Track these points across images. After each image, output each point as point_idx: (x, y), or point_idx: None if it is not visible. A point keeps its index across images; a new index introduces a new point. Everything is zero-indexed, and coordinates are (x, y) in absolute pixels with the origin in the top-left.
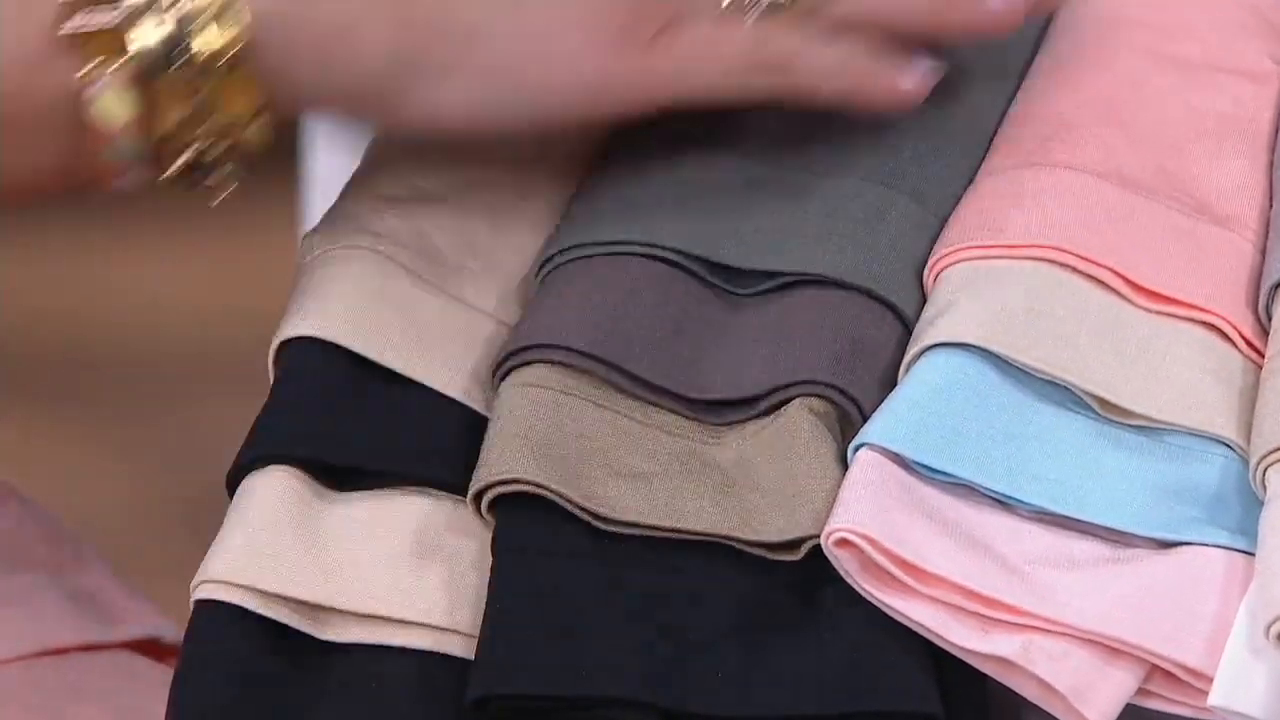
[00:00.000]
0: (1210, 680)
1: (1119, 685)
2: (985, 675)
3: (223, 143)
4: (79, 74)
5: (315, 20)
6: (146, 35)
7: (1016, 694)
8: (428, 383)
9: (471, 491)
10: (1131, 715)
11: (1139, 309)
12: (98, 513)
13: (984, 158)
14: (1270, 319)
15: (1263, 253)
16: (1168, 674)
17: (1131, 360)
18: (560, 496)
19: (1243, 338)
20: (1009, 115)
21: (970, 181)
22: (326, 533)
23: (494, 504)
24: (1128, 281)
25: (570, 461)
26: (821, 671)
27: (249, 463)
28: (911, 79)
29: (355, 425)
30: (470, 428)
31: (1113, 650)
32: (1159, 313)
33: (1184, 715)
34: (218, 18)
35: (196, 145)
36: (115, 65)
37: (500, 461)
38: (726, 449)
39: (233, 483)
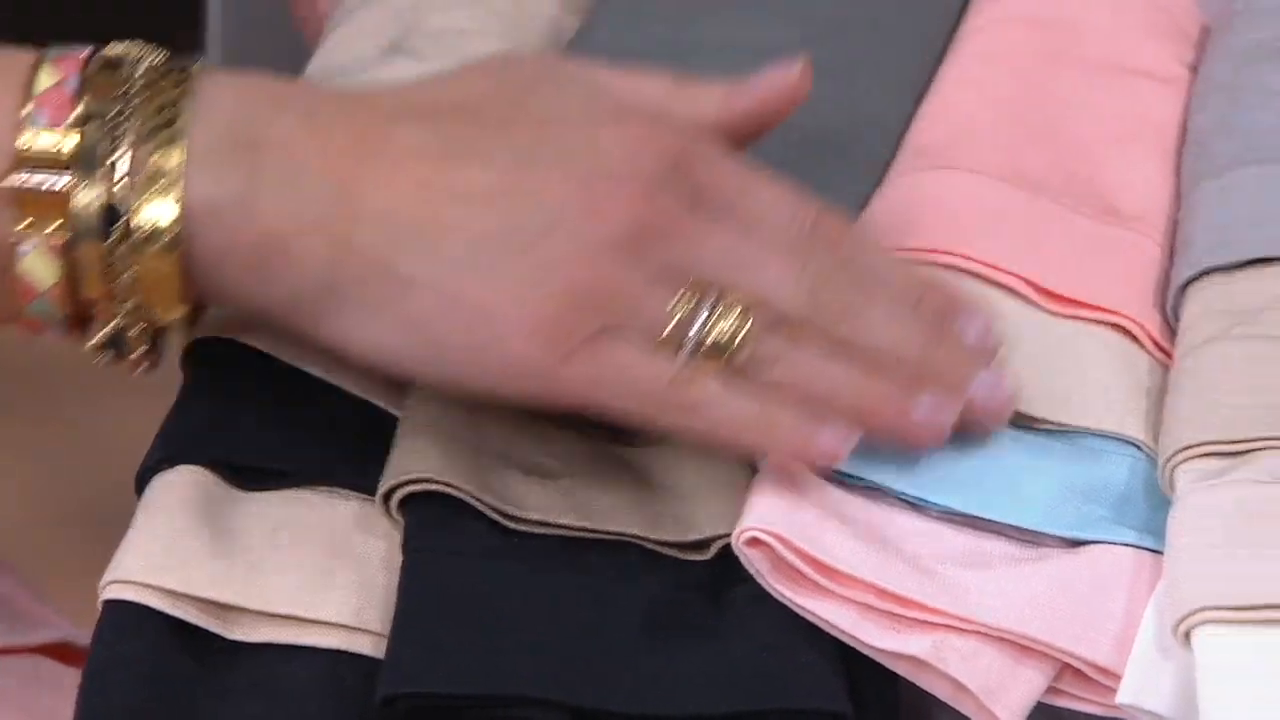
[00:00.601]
0: (1119, 678)
1: (1029, 684)
2: (896, 674)
3: (141, 324)
4: (15, 228)
5: (253, 227)
6: (86, 209)
7: (927, 693)
8: (337, 383)
9: (381, 491)
10: (1045, 715)
11: (1047, 313)
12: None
13: (892, 160)
14: (1177, 320)
15: (1169, 254)
16: (1078, 672)
17: (1041, 365)
18: (470, 496)
19: (1151, 339)
20: (916, 118)
21: (879, 183)
22: (235, 533)
23: (404, 503)
24: (1034, 286)
25: (480, 461)
26: (732, 670)
27: (157, 463)
28: (830, 441)
29: (264, 426)
30: (380, 428)
31: (1023, 649)
32: (1067, 316)
33: (1094, 713)
34: (157, 204)
35: (115, 322)
36: (49, 229)
37: (410, 461)
38: (637, 449)
39: (141, 483)
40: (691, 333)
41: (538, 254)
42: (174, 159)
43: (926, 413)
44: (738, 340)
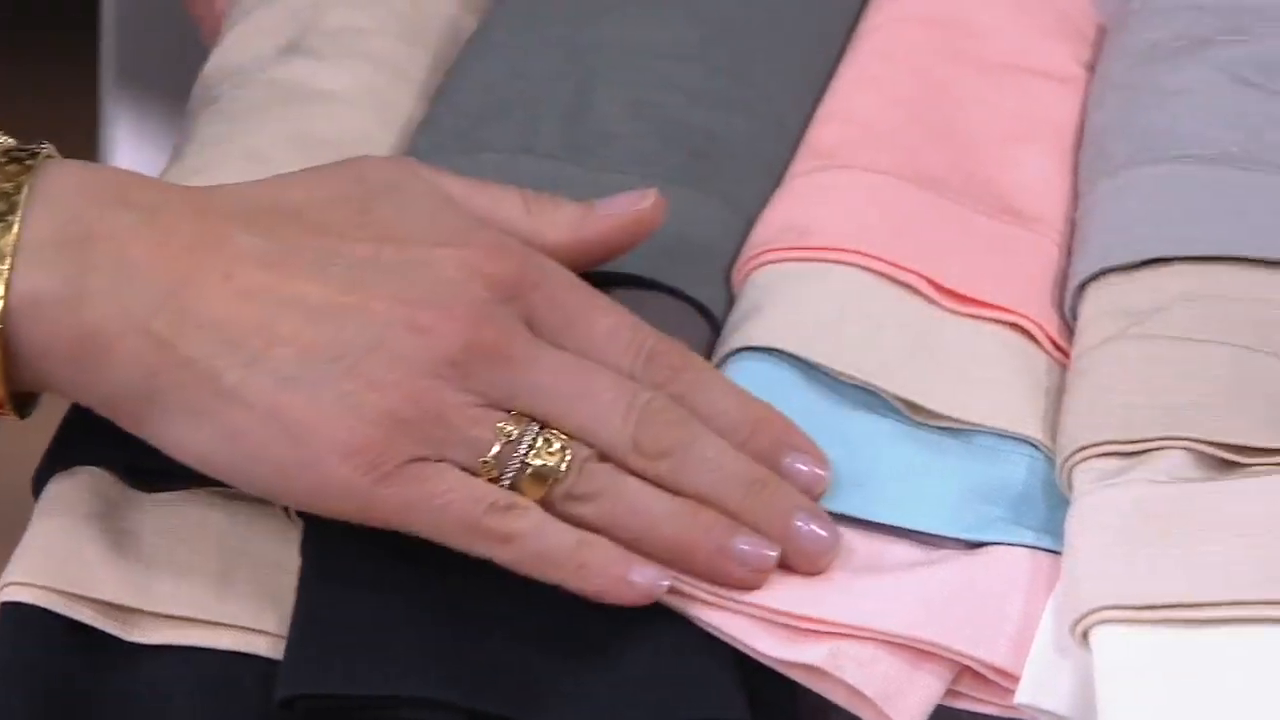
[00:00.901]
0: (1017, 679)
1: (927, 688)
2: (794, 681)
3: None
4: None
5: (77, 323)
6: None
7: (825, 699)
8: None
9: None
10: (943, 716)
11: (945, 311)
12: None
13: (792, 159)
14: (1075, 319)
15: (1067, 253)
16: (976, 674)
17: (939, 363)
18: None
19: (1049, 338)
20: (816, 116)
21: (778, 183)
22: (133, 535)
23: None
24: (934, 285)
25: None
26: (629, 678)
27: (54, 465)
28: (641, 581)
29: None
30: None
31: (920, 653)
32: (965, 315)
33: (992, 714)
34: None
35: None
36: None
37: None
38: None
39: (38, 485)
40: (512, 463)
41: (361, 374)
42: (4, 247)
43: (743, 557)
44: (558, 473)
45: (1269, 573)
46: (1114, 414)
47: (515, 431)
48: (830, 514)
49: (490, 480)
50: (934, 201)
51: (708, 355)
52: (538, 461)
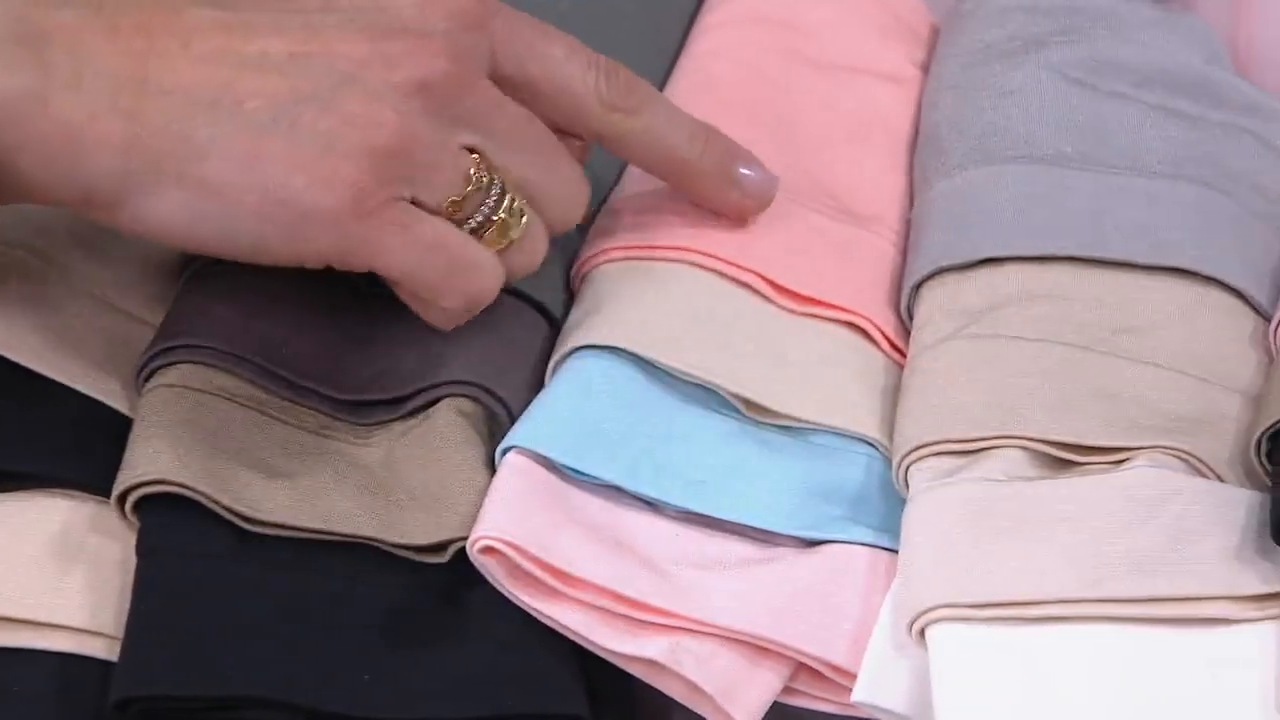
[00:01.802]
0: (855, 677)
1: (765, 685)
2: (633, 676)
3: None
4: None
5: (46, 119)
6: None
7: (665, 694)
8: (70, 383)
9: (115, 493)
10: (780, 715)
11: (783, 310)
12: None
13: None
14: (912, 318)
15: (903, 253)
16: (814, 671)
17: (777, 362)
18: (205, 497)
19: (885, 338)
20: None
21: (616, 180)
22: None
23: (138, 505)
24: (772, 284)
25: (215, 462)
26: (469, 674)
27: None
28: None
29: None
30: (113, 429)
31: (759, 650)
32: (803, 314)
33: (830, 712)
34: None
35: None
36: None
37: (144, 462)
38: (374, 450)
39: None
40: (480, 211)
41: (336, 111)
42: None
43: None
44: (515, 232)
45: (1100, 571)
46: (949, 413)
47: (485, 180)
48: (671, 510)
49: (457, 221)
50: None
51: (547, 355)
52: (500, 216)
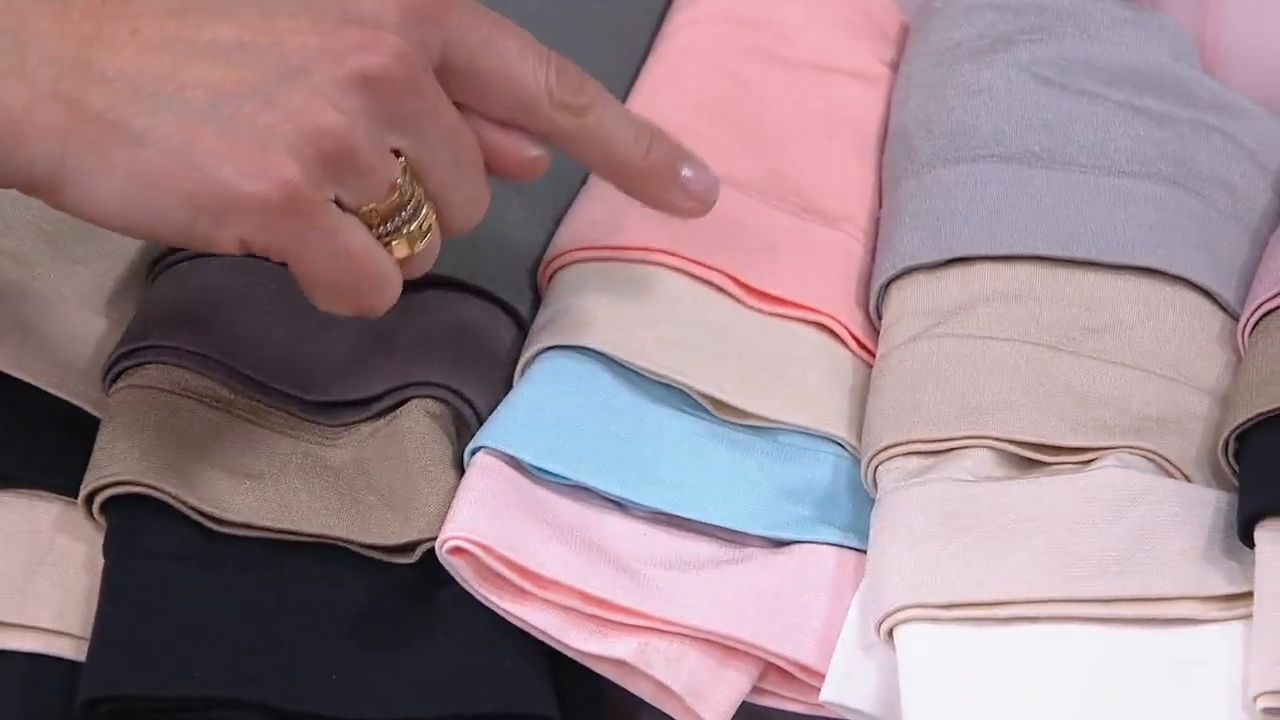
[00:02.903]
0: (823, 676)
1: (734, 685)
2: (601, 676)
3: None
4: None
5: None
6: None
7: (633, 694)
8: (38, 384)
9: (83, 493)
10: (749, 715)
11: (751, 310)
12: None
13: None
14: (880, 318)
15: (872, 252)
16: (782, 671)
17: (745, 362)
18: (172, 497)
19: (853, 337)
20: None
21: (584, 182)
22: None
23: (106, 506)
24: (740, 284)
25: (182, 462)
26: (437, 673)
27: None
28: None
29: None
30: (82, 429)
31: (728, 650)
32: (771, 314)
33: (798, 712)
34: None
35: None
36: None
37: (111, 463)
38: (342, 450)
39: None
40: (393, 221)
41: (279, 106)
42: None
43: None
44: (417, 247)
45: (1067, 572)
46: (918, 413)
47: (407, 196)
48: (640, 511)
49: (371, 226)
50: (740, 200)
51: (516, 355)
52: (410, 230)
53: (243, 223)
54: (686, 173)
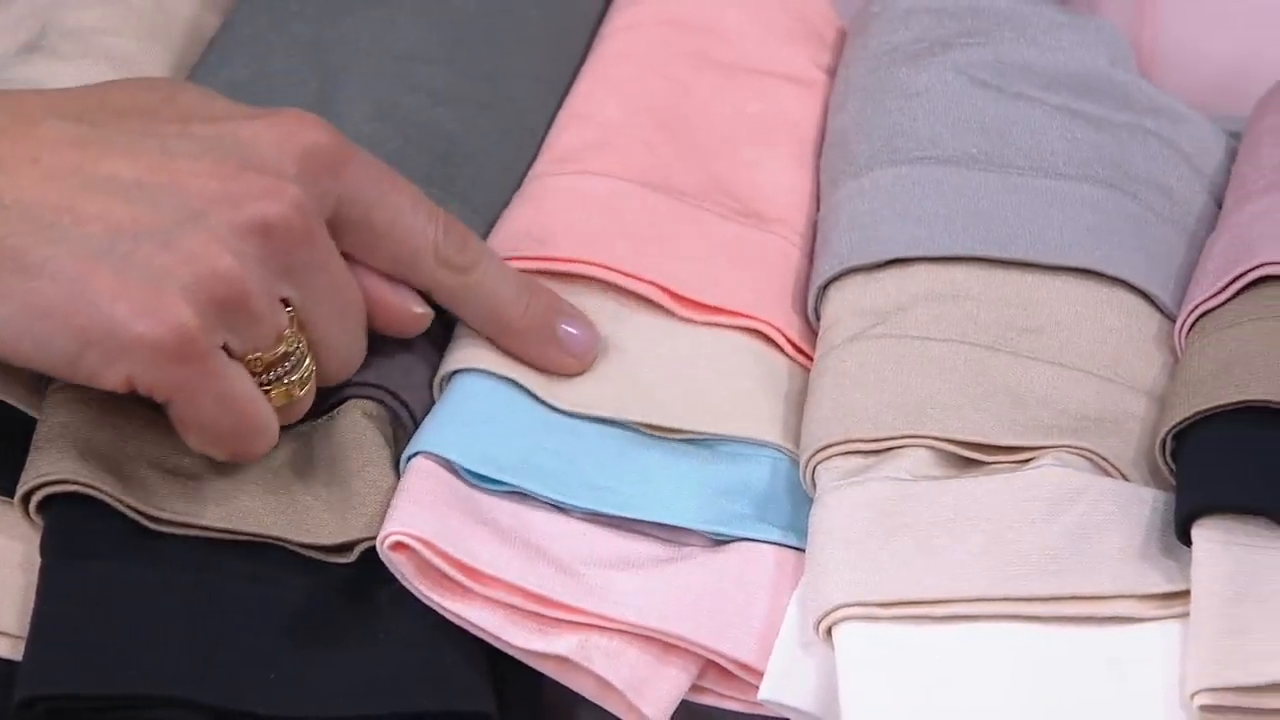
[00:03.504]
0: (762, 674)
1: (674, 681)
2: (541, 674)
3: None
4: None
5: None
6: None
7: (573, 691)
8: None
9: (19, 493)
10: (687, 715)
11: (684, 321)
12: None
13: (533, 160)
14: (819, 319)
15: (809, 256)
16: (722, 669)
17: (677, 379)
18: (109, 496)
19: (789, 341)
20: (558, 119)
21: (519, 184)
22: None
23: (43, 505)
24: (671, 294)
25: (120, 461)
26: (376, 672)
27: None
28: None
29: None
30: (17, 429)
31: (668, 646)
32: (705, 323)
33: (737, 710)
34: None
35: None
36: None
37: (47, 462)
38: (280, 450)
39: None
40: (276, 371)
41: (175, 249)
42: None
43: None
44: (296, 400)
45: (1006, 570)
46: (857, 412)
47: (292, 347)
48: (578, 513)
49: (255, 373)
50: (674, 206)
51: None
52: (293, 380)
53: (131, 362)
54: (565, 328)
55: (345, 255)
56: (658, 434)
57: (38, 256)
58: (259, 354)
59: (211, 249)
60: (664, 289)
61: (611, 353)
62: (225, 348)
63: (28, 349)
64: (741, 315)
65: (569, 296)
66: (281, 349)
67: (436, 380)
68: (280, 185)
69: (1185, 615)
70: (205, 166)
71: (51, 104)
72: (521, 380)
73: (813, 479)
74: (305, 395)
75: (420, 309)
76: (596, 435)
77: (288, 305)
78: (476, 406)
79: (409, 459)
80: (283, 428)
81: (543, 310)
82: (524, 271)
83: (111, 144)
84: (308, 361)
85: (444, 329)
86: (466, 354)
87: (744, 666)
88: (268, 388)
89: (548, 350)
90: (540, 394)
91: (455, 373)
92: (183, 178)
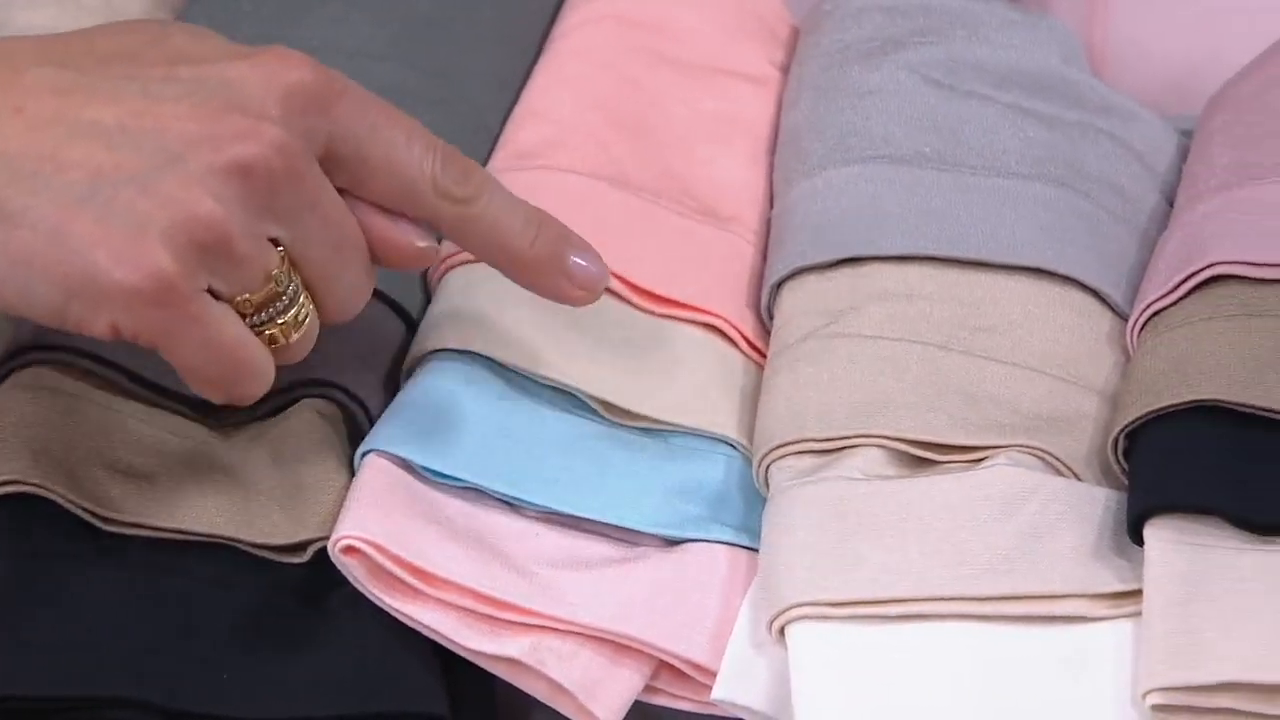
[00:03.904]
0: (714, 675)
1: (627, 683)
2: (494, 676)
3: None
4: None
5: None
6: None
7: (526, 694)
8: None
9: None
10: (640, 714)
11: (642, 312)
12: None
13: (488, 157)
14: (772, 318)
15: (763, 253)
16: (675, 670)
17: (635, 364)
18: (61, 496)
19: (744, 338)
20: (513, 115)
21: None
22: None
23: None
24: (630, 285)
25: (72, 462)
26: (328, 673)
27: None
28: None
29: None
30: None
31: (621, 648)
32: (662, 315)
33: (690, 710)
34: None
35: None
36: None
37: None
38: (233, 450)
39: None
40: (267, 311)
41: (155, 193)
42: None
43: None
44: (291, 337)
45: (958, 570)
46: (809, 412)
47: (283, 285)
48: (532, 510)
49: (244, 314)
50: (630, 202)
51: (402, 356)
52: (285, 320)
53: (113, 309)
54: (574, 260)
55: (344, 192)
56: (613, 418)
57: (18, 205)
58: (247, 295)
59: (191, 192)
60: (624, 279)
61: (573, 329)
62: (213, 291)
63: (13, 298)
64: (698, 310)
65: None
66: (270, 288)
67: (405, 366)
68: (260, 125)
69: (1137, 614)
70: (186, 109)
71: (39, 50)
72: (487, 350)
73: (766, 478)
74: (303, 337)
75: (423, 242)
76: (554, 424)
77: (278, 245)
78: (434, 399)
79: (363, 455)
80: (238, 424)
81: (552, 241)
82: (479, 264)
83: (94, 90)
84: (302, 300)
85: (408, 332)
86: (436, 336)
87: (697, 667)
88: (260, 328)
89: (557, 282)
90: (506, 359)
91: (424, 357)
92: (165, 121)
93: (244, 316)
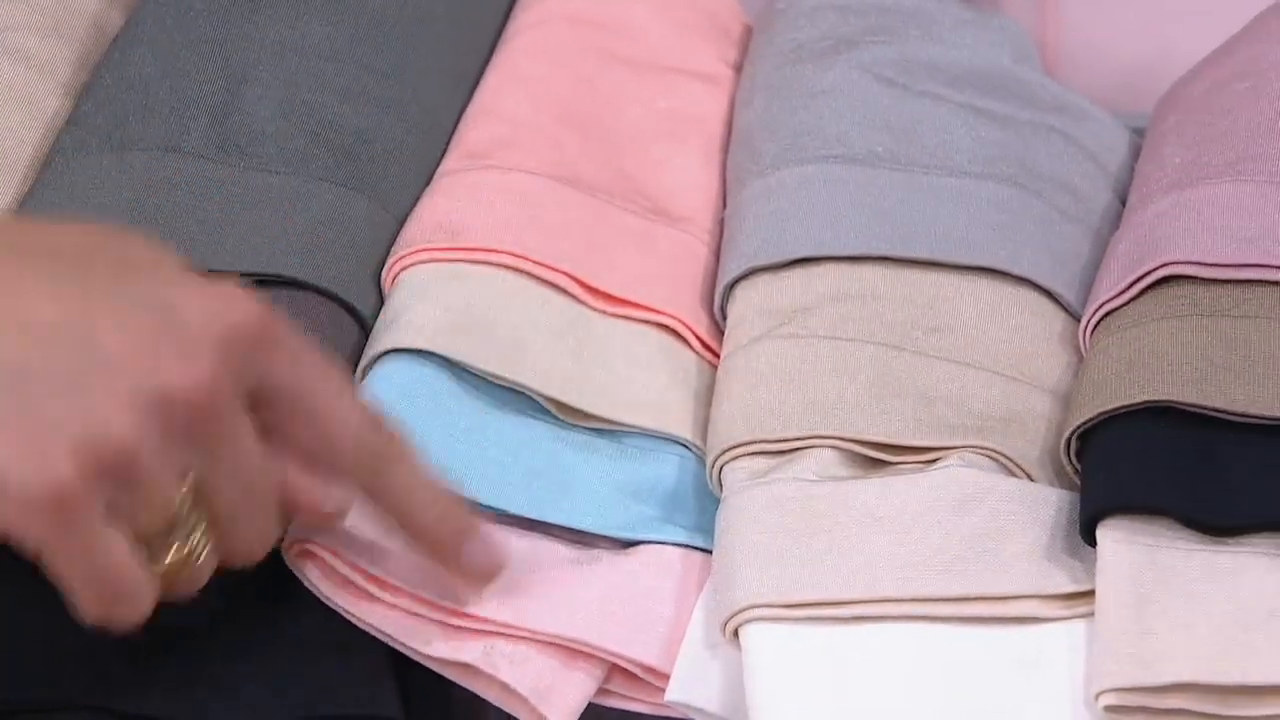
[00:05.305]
0: (668, 677)
1: (579, 686)
2: (448, 681)
3: None
4: None
5: None
6: None
7: (480, 697)
8: None
9: None
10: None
11: (595, 312)
12: None
13: (442, 156)
14: (725, 318)
15: (716, 253)
16: (628, 672)
17: (588, 363)
18: None
19: (697, 338)
20: (467, 115)
21: (430, 180)
22: None
23: None
24: (582, 284)
25: None
26: (282, 676)
27: None
28: None
29: None
30: None
31: (574, 652)
32: (614, 315)
33: (643, 712)
34: None
35: None
36: None
37: None
38: None
39: None
40: (165, 539)
41: (74, 400)
42: None
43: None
44: (199, 560)
45: (911, 571)
46: (763, 413)
47: (182, 515)
48: (484, 510)
49: (142, 541)
50: (584, 201)
51: (358, 355)
52: (177, 551)
53: (4, 503)
54: (471, 550)
55: (265, 430)
56: (566, 418)
57: None
58: (143, 519)
59: (110, 410)
60: (576, 279)
61: (526, 330)
62: (109, 506)
63: None
64: (651, 310)
65: (484, 283)
66: (168, 516)
67: (360, 366)
68: (198, 358)
69: (1090, 615)
70: (125, 321)
71: None
72: (440, 350)
73: (719, 479)
74: (195, 572)
75: (333, 506)
76: (507, 425)
77: (187, 475)
78: (387, 399)
79: None
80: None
81: (452, 527)
82: (437, 264)
83: (40, 285)
84: (199, 536)
85: (360, 333)
86: (390, 336)
87: (650, 670)
88: (151, 556)
89: (451, 565)
90: (460, 358)
91: (378, 357)
92: (100, 331)
93: (135, 542)
